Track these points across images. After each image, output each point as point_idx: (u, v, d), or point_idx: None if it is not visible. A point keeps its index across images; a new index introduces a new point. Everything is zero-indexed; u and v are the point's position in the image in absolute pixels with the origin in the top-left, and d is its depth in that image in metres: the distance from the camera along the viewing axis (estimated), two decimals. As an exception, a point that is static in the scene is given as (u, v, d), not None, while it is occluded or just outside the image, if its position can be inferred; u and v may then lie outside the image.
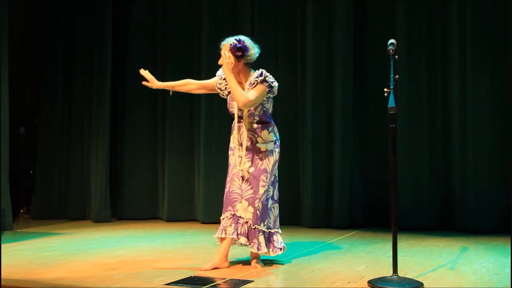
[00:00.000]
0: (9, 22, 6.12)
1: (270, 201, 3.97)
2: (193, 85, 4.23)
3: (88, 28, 7.12)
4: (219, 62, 3.95)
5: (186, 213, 6.86)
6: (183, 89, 4.24)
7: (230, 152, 4.06)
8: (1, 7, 5.98)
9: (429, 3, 6.02)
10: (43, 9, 7.33)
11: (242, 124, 3.97)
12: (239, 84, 3.89)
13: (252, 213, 3.84)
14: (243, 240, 3.82)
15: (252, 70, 3.97)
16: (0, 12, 5.95)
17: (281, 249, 3.96)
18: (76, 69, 7.18)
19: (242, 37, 3.93)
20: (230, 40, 3.91)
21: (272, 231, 3.96)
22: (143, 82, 4.26)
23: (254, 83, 3.87)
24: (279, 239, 3.99)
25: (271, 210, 3.97)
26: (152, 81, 4.22)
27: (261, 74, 3.89)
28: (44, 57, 7.28)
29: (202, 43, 6.76)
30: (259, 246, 3.83)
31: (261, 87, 3.85)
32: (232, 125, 4.06)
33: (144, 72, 4.24)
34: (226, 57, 3.87)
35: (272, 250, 3.93)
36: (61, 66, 7.21)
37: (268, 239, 3.93)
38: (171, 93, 4.33)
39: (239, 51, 3.85)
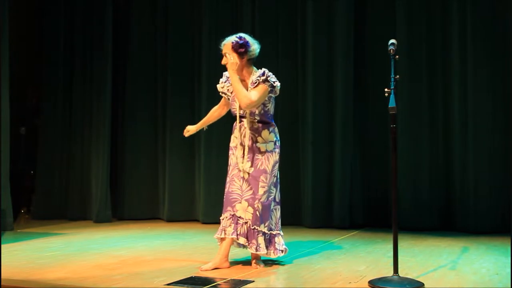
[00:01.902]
0: (9, 23, 6.13)
1: (273, 203, 3.96)
2: (217, 109, 4.29)
3: (88, 28, 7.13)
4: (222, 62, 3.96)
5: (186, 213, 6.86)
6: (213, 118, 4.34)
7: (230, 152, 4.05)
8: (1, 8, 5.98)
9: (430, 2, 6.02)
10: (44, 10, 7.34)
11: (244, 123, 3.96)
12: (241, 81, 3.90)
13: (252, 213, 3.83)
14: (242, 240, 3.82)
15: (255, 68, 3.98)
16: (0, 13, 5.95)
17: (282, 251, 3.95)
18: (76, 69, 7.19)
19: (242, 34, 3.96)
20: (231, 39, 3.92)
21: (274, 232, 3.94)
22: (185, 135, 4.36)
23: (256, 82, 3.87)
24: (281, 241, 3.97)
25: (273, 212, 3.96)
26: (192, 130, 4.34)
27: (263, 74, 3.89)
28: (45, 58, 7.29)
29: (203, 43, 6.76)
30: (258, 247, 3.82)
31: (263, 87, 3.85)
32: (234, 124, 4.06)
33: (189, 133, 4.34)
34: (230, 58, 3.87)
35: (273, 252, 3.91)
36: (61, 66, 7.22)
37: (270, 241, 3.91)
38: (205, 128, 4.44)
39: (242, 48, 3.87)
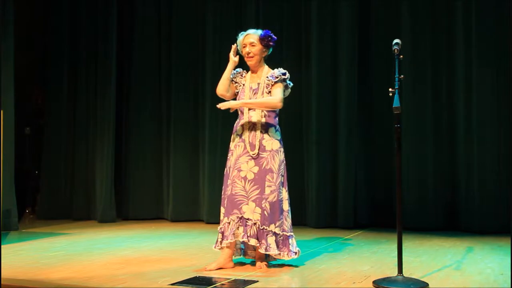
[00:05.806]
0: (14, 23, 6.14)
1: (286, 203, 3.94)
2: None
3: (92, 28, 7.14)
4: (243, 53, 3.99)
5: (191, 213, 6.87)
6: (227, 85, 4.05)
7: (229, 154, 4.02)
8: (6, 9, 6.00)
9: (434, 2, 6.00)
10: (48, 10, 7.35)
11: (252, 117, 3.92)
12: (254, 73, 3.99)
13: (260, 214, 3.81)
14: (253, 241, 3.78)
15: (265, 64, 4.05)
16: (5, 13, 5.97)
17: (296, 253, 3.92)
18: (81, 69, 7.20)
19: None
20: (254, 31, 3.98)
21: (288, 234, 3.91)
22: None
23: (278, 77, 3.92)
24: (294, 243, 3.94)
25: (288, 213, 3.95)
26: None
27: (284, 74, 3.95)
28: (49, 58, 7.30)
29: (207, 43, 6.75)
30: (268, 247, 3.79)
31: (280, 85, 3.92)
32: (236, 122, 4.05)
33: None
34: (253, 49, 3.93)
35: (287, 254, 3.87)
36: (66, 66, 7.23)
37: (284, 243, 3.87)
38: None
39: (271, 41, 3.96)
